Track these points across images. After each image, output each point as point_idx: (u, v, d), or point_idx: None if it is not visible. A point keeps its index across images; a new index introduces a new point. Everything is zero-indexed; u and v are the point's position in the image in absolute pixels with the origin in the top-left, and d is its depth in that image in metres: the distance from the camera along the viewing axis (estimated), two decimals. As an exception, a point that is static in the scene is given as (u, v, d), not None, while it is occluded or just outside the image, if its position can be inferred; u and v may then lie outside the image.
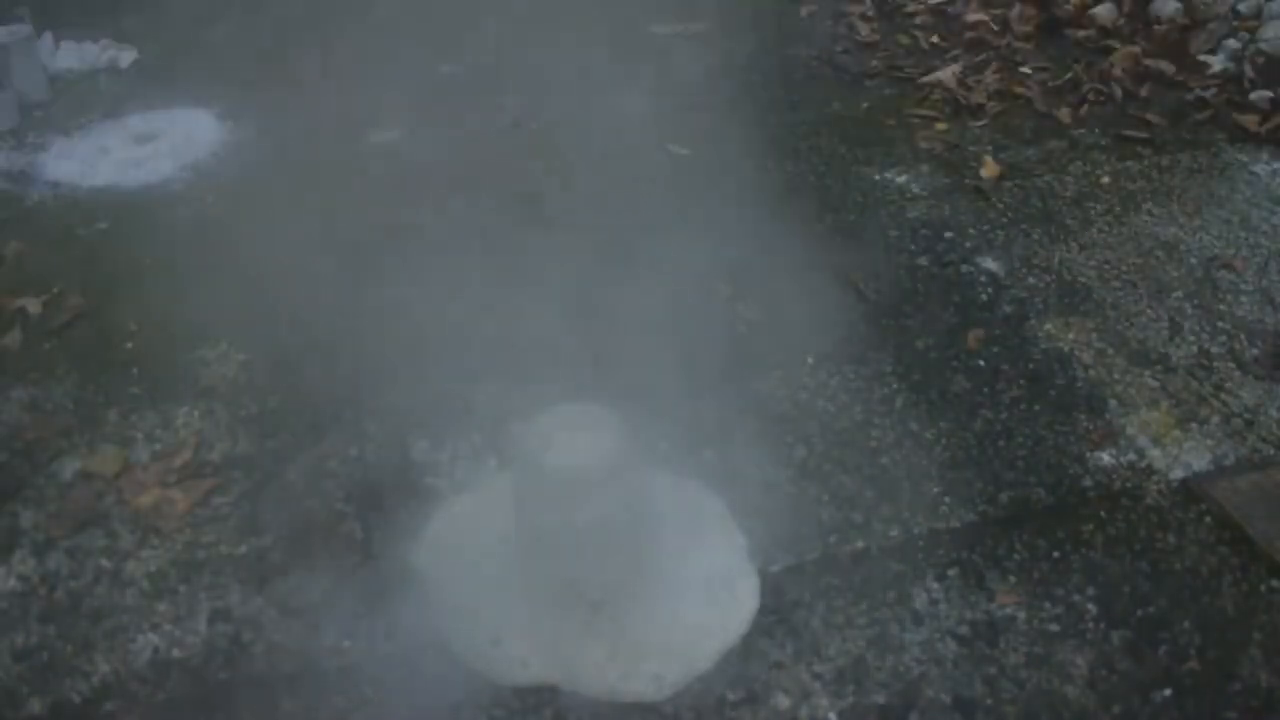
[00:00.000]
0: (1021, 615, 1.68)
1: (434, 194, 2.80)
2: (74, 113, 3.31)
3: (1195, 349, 2.24)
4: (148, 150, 3.11)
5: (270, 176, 2.93)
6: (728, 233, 2.49)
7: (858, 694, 1.56)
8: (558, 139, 3.00)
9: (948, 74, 3.38)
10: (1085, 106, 3.23)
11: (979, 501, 1.89)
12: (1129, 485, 1.92)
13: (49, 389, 2.18)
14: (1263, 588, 1.72)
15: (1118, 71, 3.36)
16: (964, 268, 2.52)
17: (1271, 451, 1.99)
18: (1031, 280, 2.47)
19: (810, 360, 2.22)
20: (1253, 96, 3.16)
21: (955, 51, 3.57)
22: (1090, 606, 1.69)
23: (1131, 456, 1.98)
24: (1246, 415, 2.07)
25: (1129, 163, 2.94)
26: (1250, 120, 3.06)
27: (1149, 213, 2.72)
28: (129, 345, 2.30)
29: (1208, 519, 1.84)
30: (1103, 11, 3.67)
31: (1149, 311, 2.36)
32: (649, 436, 1.86)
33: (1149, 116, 3.14)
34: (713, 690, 1.56)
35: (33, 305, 2.42)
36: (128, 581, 1.76)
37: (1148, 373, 2.18)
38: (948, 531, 1.83)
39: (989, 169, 2.91)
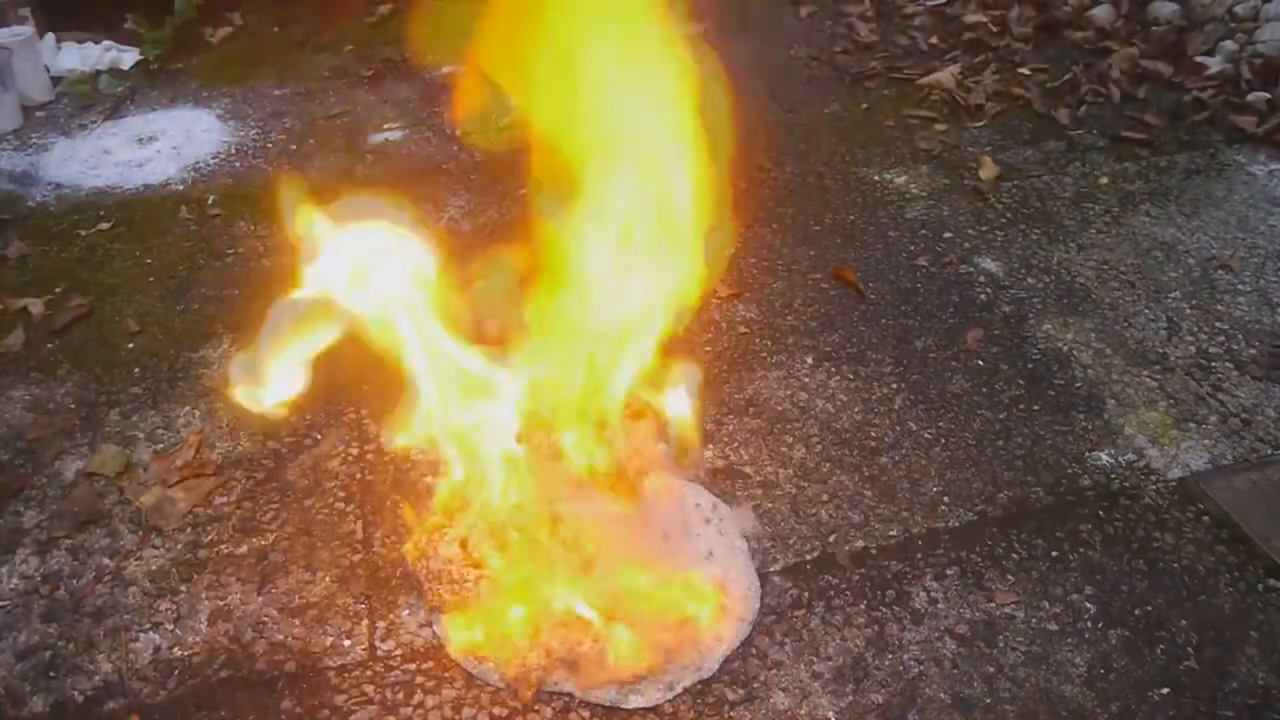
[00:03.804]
0: (1020, 614, 1.69)
1: (437, 185, 2.81)
2: (76, 114, 3.32)
3: (1193, 349, 2.25)
4: (149, 151, 3.12)
5: (271, 177, 2.94)
6: (726, 233, 2.50)
7: (856, 693, 1.57)
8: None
9: (946, 75, 3.39)
10: (1083, 107, 3.23)
11: (978, 501, 1.90)
12: (1127, 485, 1.93)
13: (51, 389, 2.19)
14: (1260, 586, 1.72)
15: (1116, 73, 3.37)
16: (963, 268, 2.53)
17: (1269, 451, 1.99)
18: (1030, 280, 2.48)
19: (810, 360, 2.23)
20: (1250, 98, 3.17)
21: (954, 52, 3.58)
22: (1088, 605, 1.70)
23: (1130, 456, 1.99)
24: (1244, 415, 2.08)
25: (1127, 164, 2.95)
26: (1248, 121, 3.07)
27: (1147, 213, 2.72)
28: (130, 346, 2.31)
29: (1205, 518, 1.85)
30: (1101, 13, 3.68)
31: (1147, 312, 2.37)
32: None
33: (1147, 117, 3.15)
34: (713, 690, 1.57)
35: (35, 306, 2.43)
36: (130, 581, 1.77)
37: (1146, 372, 2.19)
38: (946, 531, 1.84)
39: (987, 170, 2.92)
